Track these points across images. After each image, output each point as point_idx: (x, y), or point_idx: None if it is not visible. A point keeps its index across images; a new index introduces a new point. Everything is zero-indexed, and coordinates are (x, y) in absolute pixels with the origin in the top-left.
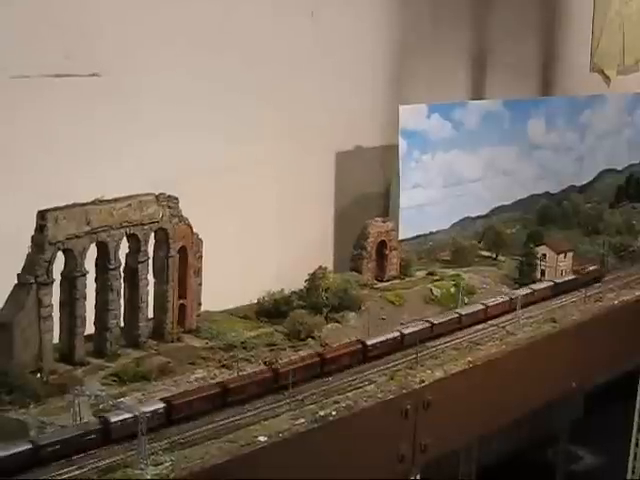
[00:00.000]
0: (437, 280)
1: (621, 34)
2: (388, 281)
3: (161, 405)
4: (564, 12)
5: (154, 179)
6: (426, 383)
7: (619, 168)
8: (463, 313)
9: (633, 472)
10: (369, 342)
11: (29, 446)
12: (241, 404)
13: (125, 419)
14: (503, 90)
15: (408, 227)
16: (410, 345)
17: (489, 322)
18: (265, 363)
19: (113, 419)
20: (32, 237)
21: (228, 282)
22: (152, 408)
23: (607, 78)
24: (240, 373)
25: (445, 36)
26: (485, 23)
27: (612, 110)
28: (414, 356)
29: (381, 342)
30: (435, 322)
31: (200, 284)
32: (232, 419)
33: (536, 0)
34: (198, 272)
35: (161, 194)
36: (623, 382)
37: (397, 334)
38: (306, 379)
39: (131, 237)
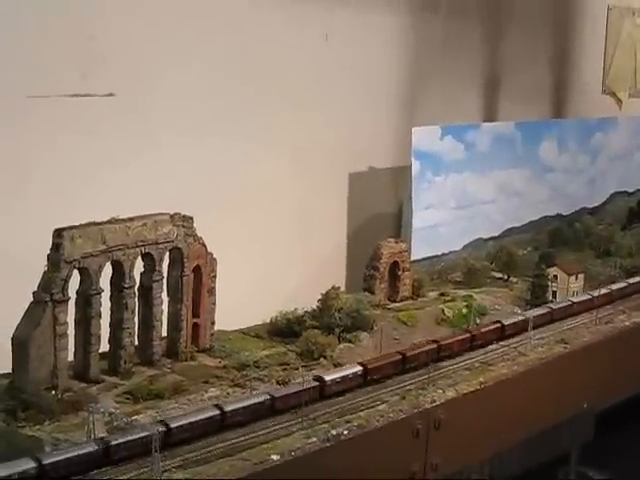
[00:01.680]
0: (449, 301)
1: (633, 57)
2: (401, 301)
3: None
4: (576, 36)
5: (169, 198)
6: (437, 403)
7: (630, 190)
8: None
9: None
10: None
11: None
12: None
13: (129, 441)
14: (515, 113)
15: (421, 248)
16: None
17: (501, 343)
18: (277, 382)
19: (114, 442)
20: (48, 255)
21: (242, 301)
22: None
23: (619, 101)
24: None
25: (458, 60)
26: (497, 47)
27: (623, 133)
28: (426, 376)
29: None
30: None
31: (214, 303)
32: (244, 438)
33: (549, 24)
34: (212, 291)
35: (176, 214)
36: (635, 403)
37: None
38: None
39: (146, 256)
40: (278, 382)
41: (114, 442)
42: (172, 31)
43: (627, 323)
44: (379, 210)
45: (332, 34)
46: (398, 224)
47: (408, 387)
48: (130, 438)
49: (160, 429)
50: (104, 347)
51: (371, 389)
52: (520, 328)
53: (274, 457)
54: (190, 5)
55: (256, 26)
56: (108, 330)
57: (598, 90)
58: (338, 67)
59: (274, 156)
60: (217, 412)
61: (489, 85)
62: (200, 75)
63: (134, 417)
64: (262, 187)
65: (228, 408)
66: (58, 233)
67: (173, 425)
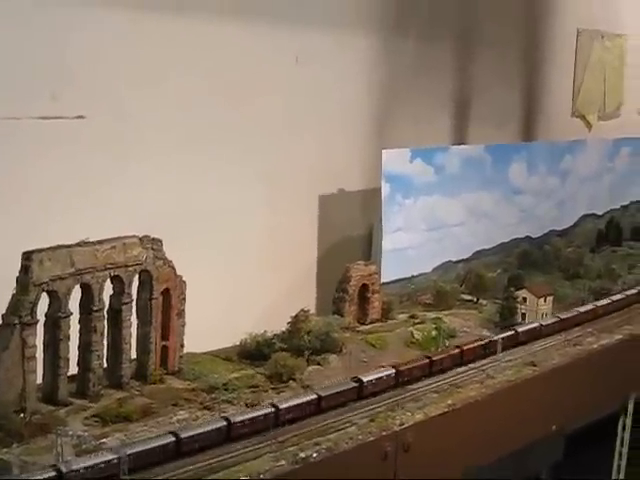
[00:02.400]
0: (418, 323)
1: (602, 80)
2: (370, 324)
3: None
4: (546, 59)
5: (138, 221)
6: (406, 425)
7: (599, 213)
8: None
9: None
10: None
11: None
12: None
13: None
14: (485, 136)
15: (390, 270)
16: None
17: (470, 365)
18: (246, 404)
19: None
20: (17, 278)
21: (211, 324)
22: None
23: (588, 124)
24: None
25: (428, 83)
26: (468, 70)
27: (593, 155)
28: (395, 399)
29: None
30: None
31: (183, 326)
32: (212, 461)
33: (519, 47)
34: (181, 314)
35: (145, 236)
36: (604, 425)
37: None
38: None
39: (115, 279)
40: (247, 404)
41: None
42: (144, 53)
43: (595, 345)
44: (349, 232)
45: (303, 56)
46: (368, 246)
47: (377, 410)
48: (97, 461)
49: (129, 452)
50: (73, 370)
51: (341, 411)
52: (489, 350)
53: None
54: (162, 27)
55: (226, 46)
56: (77, 353)
57: (568, 113)
58: (309, 89)
59: (244, 179)
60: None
61: (459, 108)
62: (171, 98)
63: (102, 440)
64: (232, 209)
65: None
66: (27, 256)
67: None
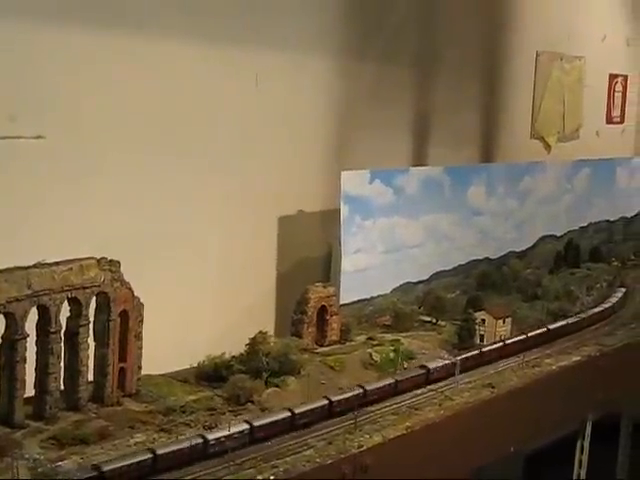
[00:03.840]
0: (377, 345)
1: (561, 102)
2: (329, 346)
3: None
4: (505, 81)
5: (96, 243)
6: (364, 448)
7: (558, 234)
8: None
9: None
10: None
11: None
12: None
13: None
14: (445, 157)
15: (349, 292)
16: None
17: (428, 387)
18: (204, 427)
19: None
20: None
21: (169, 345)
22: None
23: (547, 145)
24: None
25: (388, 104)
26: (427, 92)
27: (552, 177)
28: (352, 421)
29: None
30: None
31: (141, 348)
32: None
33: (478, 69)
34: (139, 336)
35: (102, 258)
36: (562, 446)
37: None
38: None
39: (72, 301)
40: (205, 427)
41: None
42: (103, 73)
43: (554, 367)
44: (308, 254)
45: (262, 78)
46: (328, 268)
47: (335, 432)
48: None
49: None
50: (29, 392)
51: (297, 434)
52: (446, 372)
53: None
54: (121, 47)
55: (187, 70)
56: (34, 375)
57: (527, 135)
58: (268, 110)
59: (202, 200)
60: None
61: (419, 130)
62: (130, 119)
63: (59, 463)
64: (190, 231)
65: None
66: None
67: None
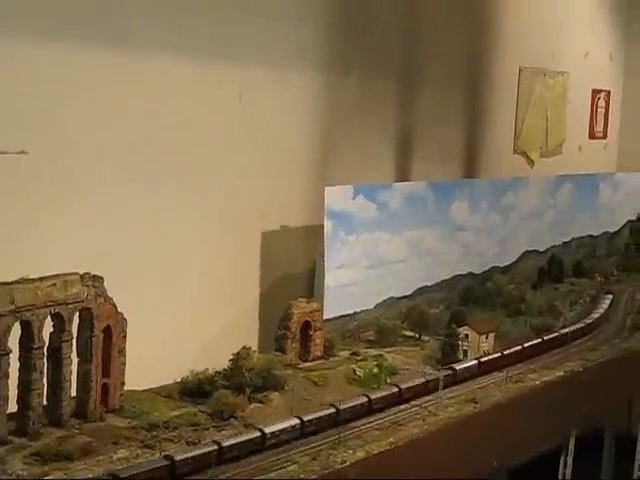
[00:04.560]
0: (360, 360)
1: (544, 117)
2: (312, 361)
3: None
4: (488, 96)
5: (79, 258)
6: (348, 463)
7: (541, 249)
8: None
9: None
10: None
11: None
12: None
13: None
14: (428, 173)
15: (333, 307)
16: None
17: (411, 402)
18: (187, 442)
19: None
20: None
21: (152, 361)
22: None
23: (530, 160)
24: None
25: (371, 120)
26: (410, 108)
27: (535, 192)
28: (337, 436)
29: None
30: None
31: (124, 363)
32: None
33: (461, 84)
34: (122, 351)
35: (86, 274)
36: (546, 461)
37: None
38: None
39: (55, 316)
40: (188, 443)
41: None
42: (87, 90)
43: (537, 382)
44: (292, 269)
45: (246, 94)
46: (311, 283)
47: (319, 448)
48: None
49: None
50: (12, 408)
51: (282, 449)
52: (429, 388)
53: None
54: (104, 63)
55: (171, 86)
56: (16, 390)
57: (510, 150)
58: (252, 126)
59: (186, 215)
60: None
61: (402, 145)
62: (114, 135)
63: (44, 478)
64: (174, 247)
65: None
66: None
67: None
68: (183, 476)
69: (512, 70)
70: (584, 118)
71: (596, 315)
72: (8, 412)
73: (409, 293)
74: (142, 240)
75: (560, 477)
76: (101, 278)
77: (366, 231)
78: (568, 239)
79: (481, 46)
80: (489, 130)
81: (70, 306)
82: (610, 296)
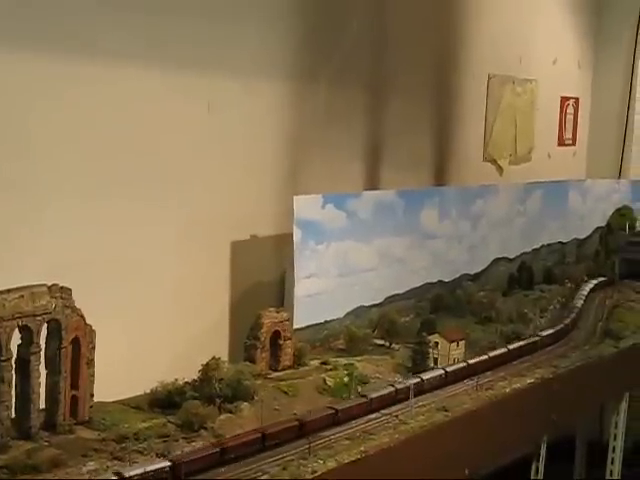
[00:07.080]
0: (331, 369)
1: (513, 125)
2: (282, 371)
3: None
4: (457, 104)
5: (47, 269)
6: (318, 473)
7: (511, 256)
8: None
9: None
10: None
11: None
12: None
13: None
14: (397, 181)
15: (303, 316)
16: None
17: (381, 411)
18: (157, 454)
19: None
20: None
21: (121, 372)
22: None
23: (499, 168)
24: None
25: (340, 128)
26: (379, 116)
27: (504, 200)
28: (307, 446)
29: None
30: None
31: (93, 375)
32: None
33: (430, 93)
34: (91, 363)
35: (54, 285)
36: (517, 468)
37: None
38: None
39: (23, 328)
40: (157, 454)
41: None
42: (55, 100)
43: (507, 389)
44: (262, 279)
45: (214, 104)
46: (281, 292)
47: (289, 458)
48: None
49: None
50: None
51: (252, 460)
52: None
53: None
54: (71, 73)
55: (138, 97)
56: None
57: (479, 157)
58: (220, 136)
59: (154, 226)
60: None
61: (371, 153)
62: (82, 145)
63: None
64: (142, 257)
65: None
66: None
67: None
68: None
69: (481, 78)
70: (553, 125)
71: (567, 321)
72: None
73: (379, 301)
74: (110, 251)
75: None
76: (69, 289)
77: (336, 240)
78: (538, 246)
79: (450, 55)
80: (459, 138)
81: (38, 318)
82: (581, 302)
